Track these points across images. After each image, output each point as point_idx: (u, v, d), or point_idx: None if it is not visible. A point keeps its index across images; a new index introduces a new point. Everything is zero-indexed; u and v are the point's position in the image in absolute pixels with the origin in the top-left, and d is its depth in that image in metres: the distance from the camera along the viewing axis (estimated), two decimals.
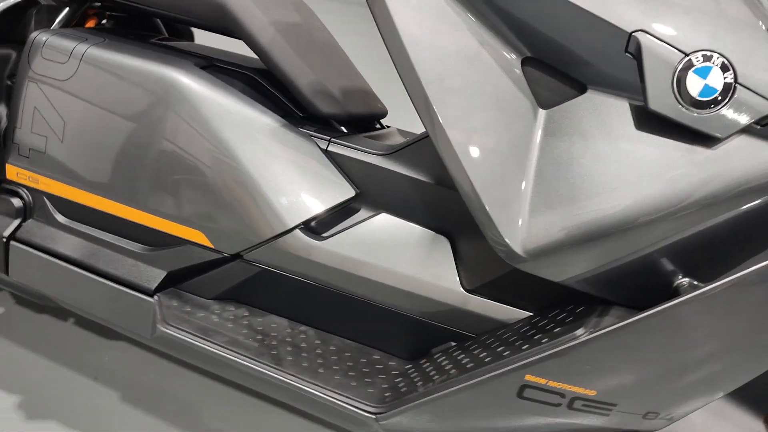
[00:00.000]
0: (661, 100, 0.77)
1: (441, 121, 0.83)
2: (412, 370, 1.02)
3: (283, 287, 1.12)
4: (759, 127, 0.77)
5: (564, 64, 0.84)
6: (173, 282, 1.16)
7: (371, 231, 1.05)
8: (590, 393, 0.87)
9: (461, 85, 0.84)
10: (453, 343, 1.03)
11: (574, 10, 0.80)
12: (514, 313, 0.99)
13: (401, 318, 1.06)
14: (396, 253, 1.03)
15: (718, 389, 0.85)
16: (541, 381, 0.87)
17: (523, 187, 0.85)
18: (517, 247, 0.85)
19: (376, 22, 0.89)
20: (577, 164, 0.83)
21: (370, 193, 1.06)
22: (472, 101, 0.85)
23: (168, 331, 1.05)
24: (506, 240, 0.84)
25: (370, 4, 0.87)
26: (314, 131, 1.10)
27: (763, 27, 0.78)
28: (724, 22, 0.78)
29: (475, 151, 0.84)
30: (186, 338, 1.04)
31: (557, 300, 0.96)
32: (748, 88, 0.75)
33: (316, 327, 1.11)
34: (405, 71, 0.85)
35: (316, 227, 1.07)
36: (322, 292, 1.08)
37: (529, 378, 0.86)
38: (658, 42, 0.77)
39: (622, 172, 0.82)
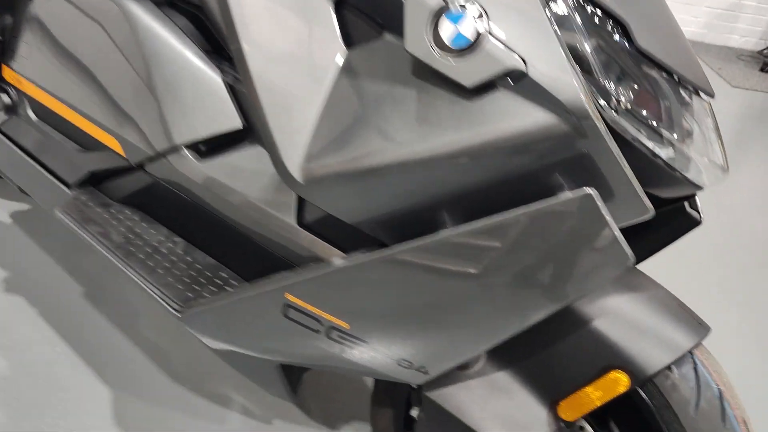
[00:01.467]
0: (416, 43, 0.79)
1: (243, 46, 0.91)
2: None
3: (171, 201, 1.23)
4: (513, 84, 0.77)
5: (369, 7, 0.88)
6: (95, 182, 1.33)
7: (244, 161, 1.14)
8: (344, 325, 0.90)
9: (268, 15, 0.91)
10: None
11: None
12: (334, 252, 1.04)
13: (251, 244, 1.13)
14: (255, 183, 1.11)
15: (468, 344, 0.84)
16: (300, 303, 0.91)
17: (310, 119, 0.90)
18: (296, 173, 0.89)
19: None
20: (360, 104, 0.86)
21: (253, 128, 1.15)
22: (276, 31, 0.91)
23: (60, 215, 1.22)
24: (286, 164, 0.89)
25: None
26: (226, 67, 1.21)
27: None
28: None
29: (270, 78, 0.90)
30: (70, 222, 1.20)
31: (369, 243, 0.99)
32: (498, 40, 0.75)
33: (188, 240, 1.22)
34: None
35: (201, 149, 1.17)
36: (198, 209, 1.19)
37: (289, 297, 0.91)
38: None
39: (396, 117, 0.84)
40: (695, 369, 0.88)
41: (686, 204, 1.04)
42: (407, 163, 0.82)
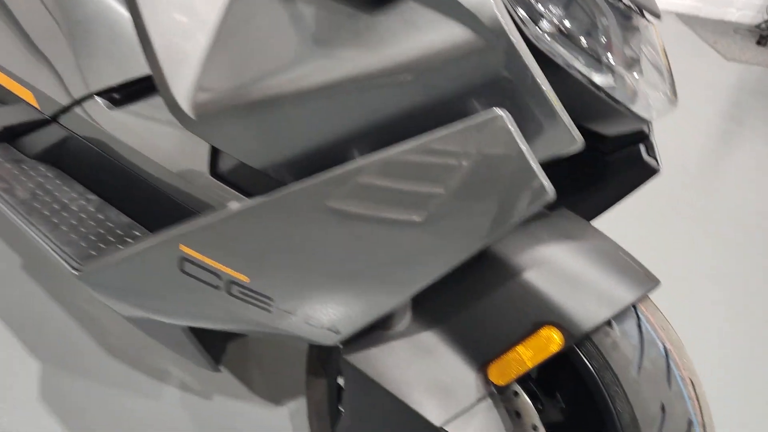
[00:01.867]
0: None
1: None
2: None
3: (85, 155, 1.14)
4: None
5: None
6: (9, 137, 1.23)
7: (157, 108, 1.04)
8: (244, 279, 0.80)
9: None
10: None
11: None
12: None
13: (166, 199, 1.04)
14: (167, 131, 1.01)
15: (378, 297, 0.75)
16: (196, 255, 0.81)
17: (201, 44, 0.80)
18: (186, 106, 0.80)
19: None
20: (255, 27, 0.76)
21: None
22: None
23: None
24: (175, 96, 0.80)
25: None
26: None
27: None
28: None
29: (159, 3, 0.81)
30: None
31: None
32: None
33: (103, 197, 1.13)
34: None
35: (115, 97, 1.08)
36: (113, 164, 1.09)
37: (184, 248, 0.82)
38: None
39: (293, 39, 0.74)
40: (639, 325, 0.78)
41: (643, 150, 0.95)
42: (307, 92, 0.72)
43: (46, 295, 1.48)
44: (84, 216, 1.05)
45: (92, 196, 1.11)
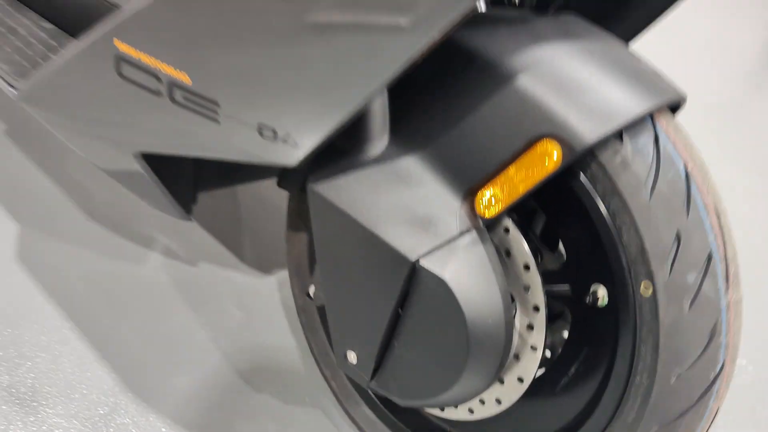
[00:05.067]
0: None
1: None
2: None
3: None
4: None
5: None
6: None
7: None
8: (185, 80, 0.68)
9: None
10: None
11: None
12: None
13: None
14: None
15: (335, 92, 0.62)
16: (132, 52, 0.70)
17: None
18: None
19: None
20: None
21: None
22: None
23: None
24: None
25: None
26: None
27: None
28: None
29: None
30: None
31: None
32: None
33: (58, 25, 1.01)
34: None
35: None
36: None
37: (118, 44, 0.70)
38: None
39: None
40: (656, 141, 0.65)
41: None
42: None
43: (34, 164, 1.41)
44: (33, 41, 0.94)
45: (47, 24, 1.00)
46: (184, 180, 0.93)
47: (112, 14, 0.69)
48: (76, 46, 0.74)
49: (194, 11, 0.64)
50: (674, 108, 0.71)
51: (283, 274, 1.26)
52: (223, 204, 1.36)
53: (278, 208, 1.38)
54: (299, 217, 0.98)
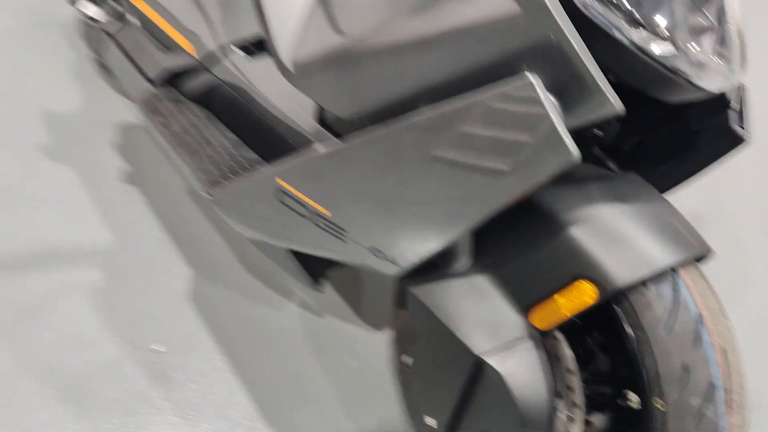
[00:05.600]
0: None
1: None
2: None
3: (227, 100, 1.33)
4: None
5: None
6: (172, 80, 1.46)
7: None
8: (326, 213, 0.94)
9: None
10: None
11: None
12: None
13: (284, 142, 1.21)
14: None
15: (428, 236, 0.85)
16: (290, 188, 0.97)
17: (303, 8, 0.93)
18: (287, 61, 0.94)
19: None
20: None
21: None
22: None
23: (138, 106, 1.38)
24: (278, 51, 0.94)
25: None
26: None
27: None
28: None
29: None
30: (142, 113, 1.36)
31: None
32: None
33: (240, 137, 1.32)
34: None
35: (250, 49, 1.26)
36: (247, 108, 1.28)
37: (280, 182, 0.97)
38: None
39: (376, 8, 0.85)
40: (675, 288, 0.82)
41: (731, 117, 0.95)
42: (385, 51, 0.83)
43: (203, 217, 1.75)
44: (222, 151, 1.26)
45: (231, 135, 1.32)
46: (317, 261, 1.20)
47: (282, 157, 0.98)
48: (253, 175, 1.03)
49: (334, 170, 0.90)
50: (700, 257, 0.87)
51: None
52: (348, 272, 1.62)
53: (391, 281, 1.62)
54: (402, 297, 1.22)
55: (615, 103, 0.72)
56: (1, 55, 2.08)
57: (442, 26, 0.77)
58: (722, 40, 0.82)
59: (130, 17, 1.59)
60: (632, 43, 0.75)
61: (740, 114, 0.95)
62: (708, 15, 0.81)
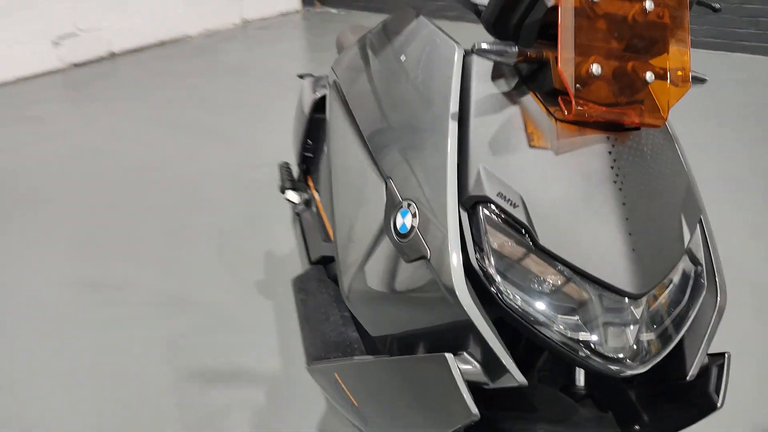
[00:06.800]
0: (389, 230, 1.12)
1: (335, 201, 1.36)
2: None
3: None
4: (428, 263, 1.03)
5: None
6: (324, 262, 1.89)
7: None
8: (355, 403, 1.27)
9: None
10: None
11: None
12: None
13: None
14: None
15: None
16: (339, 381, 1.31)
17: (359, 257, 1.29)
18: (346, 292, 1.29)
19: None
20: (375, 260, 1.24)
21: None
22: (344, 194, 1.34)
23: (292, 279, 1.85)
24: (343, 284, 1.29)
25: None
26: None
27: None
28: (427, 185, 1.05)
29: (345, 220, 1.33)
30: (291, 285, 1.82)
31: None
32: (420, 234, 1.03)
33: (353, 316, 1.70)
34: None
35: None
36: None
37: (336, 376, 1.32)
38: (392, 187, 1.12)
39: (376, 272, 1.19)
40: None
41: (711, 383, 1.06)
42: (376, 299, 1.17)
43: None
44: (332, 327, 1.63)
45: (346, 313, 1.69)
46: None
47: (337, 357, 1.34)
48: (331, 363, 1.39)
49: (360, 377, 1.24)
50: None
51: None
52: None
53: None
54: None
55: (518, 379, 0.95)
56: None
57: (410, 299, 1.08)
58: (638, 341, 0.97)
59: (312, 206, 2.12)
60: (543, 335, 0.96)
61: (719, 380, 1.06)
62: (634, 312, 0.98)
